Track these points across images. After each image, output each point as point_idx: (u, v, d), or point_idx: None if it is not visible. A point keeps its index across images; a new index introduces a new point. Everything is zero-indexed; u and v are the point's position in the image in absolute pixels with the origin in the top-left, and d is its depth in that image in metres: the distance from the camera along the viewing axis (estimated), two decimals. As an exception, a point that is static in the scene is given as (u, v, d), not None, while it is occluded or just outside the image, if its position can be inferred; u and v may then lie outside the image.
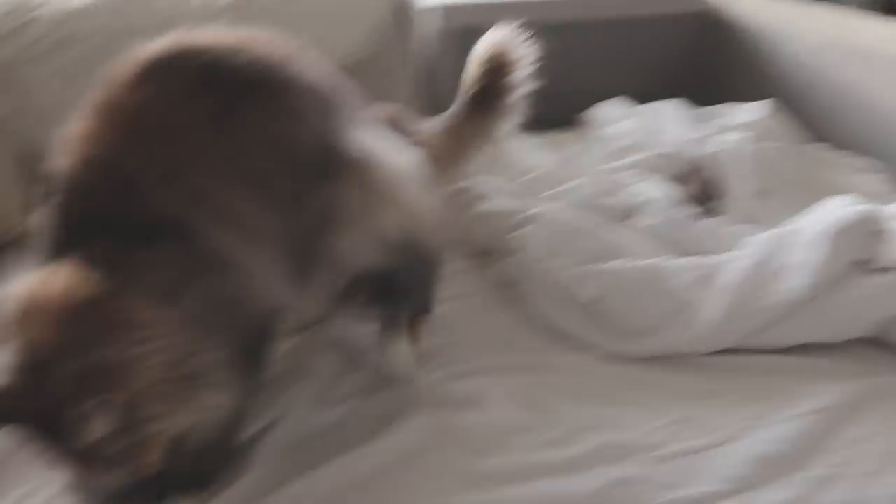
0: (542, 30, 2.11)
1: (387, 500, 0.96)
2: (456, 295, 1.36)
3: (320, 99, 0.98)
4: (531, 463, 1.01)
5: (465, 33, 2.00)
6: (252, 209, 0.88)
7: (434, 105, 2.00)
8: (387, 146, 1.10)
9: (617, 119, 1.87)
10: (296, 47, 1.01)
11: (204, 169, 0.85)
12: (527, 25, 2.08)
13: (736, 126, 1.74)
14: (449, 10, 1.95)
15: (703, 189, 1.61)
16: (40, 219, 0.85)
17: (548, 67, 2.16)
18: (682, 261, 1.32)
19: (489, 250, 1.46)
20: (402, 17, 1.91)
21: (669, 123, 1.86)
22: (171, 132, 0.84)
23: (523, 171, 1.62)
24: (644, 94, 2.10)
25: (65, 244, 0.81)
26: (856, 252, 1.23)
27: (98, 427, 0.71)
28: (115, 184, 0.82)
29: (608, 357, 1.23)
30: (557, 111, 2.08)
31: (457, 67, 2.04)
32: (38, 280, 0.78)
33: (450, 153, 1.35)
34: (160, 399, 0.75)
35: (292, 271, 0.94)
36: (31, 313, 0.76)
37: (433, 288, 1.19)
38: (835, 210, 1.30)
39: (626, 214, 1.52)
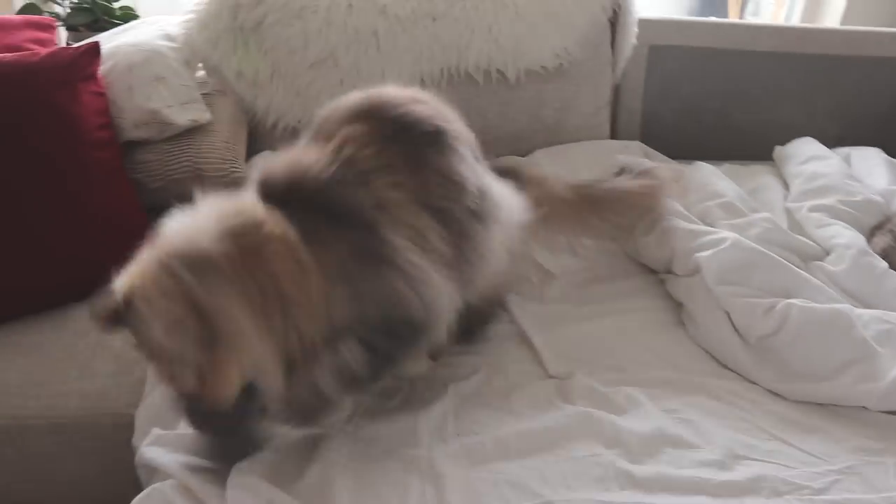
0: (739, 56, 2.10)
1: (539, 476, 1.02)
2: (624, 309, 1.40)
3: (474, 149, 1.18)
4: (686, 478, 1.03)
5: (653, 50, 2.03)
6: (432, 235, 1.03)
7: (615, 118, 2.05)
8: (509, 200, 1.22)
9: (811, 158, 1.82)
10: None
11: (390, 185, 1.02)
12: (719, 52, 2.09)
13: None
14: (643, 25, 1.97)
15: (893, 243, 1.55)
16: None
17: (743, 96, 2.15)
18: (871, 312, 1.28)
19: (665, 268, 1.48)
20: (615, 25, 1.95)
21: (866, 171, 1.79)
22: (371, 154, 1.03)
23: (709, 196, 1.61)
24: (841, 137, 2.04)
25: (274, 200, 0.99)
26: None
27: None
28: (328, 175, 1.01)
29: (767, 393, 1.23)
30: (751, 142, 2.06)
31: (644, 83, 2.08)
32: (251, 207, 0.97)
33: (572, 217, 1.43)
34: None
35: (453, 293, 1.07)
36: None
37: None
38: None
39: (809, 256, 1.49)
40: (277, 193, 0.99)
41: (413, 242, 1.01)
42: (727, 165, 1.90)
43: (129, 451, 1.18)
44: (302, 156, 1.04)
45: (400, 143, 1.05)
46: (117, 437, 1.23)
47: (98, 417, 1.24)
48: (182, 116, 1.62)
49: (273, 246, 0.92)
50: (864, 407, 1.20)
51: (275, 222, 0.94)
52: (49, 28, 1.72)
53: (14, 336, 1.33)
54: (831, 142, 1.96)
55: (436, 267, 1.03)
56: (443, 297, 1.03)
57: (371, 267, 0.97)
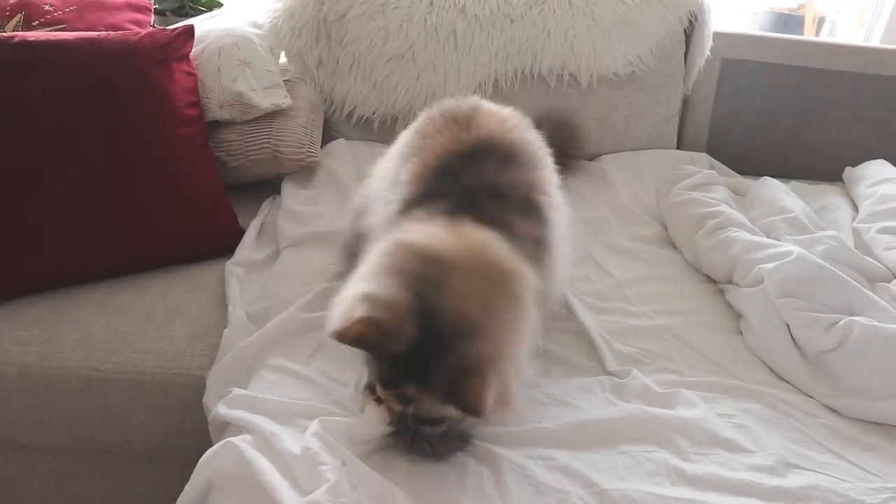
0: (813, 74, 2.08)
1: (592, 466, 1.05)
2: (683, 312, 1.41)
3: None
4: (738, 479, 1.04)
5: (725, 63, 2.03)
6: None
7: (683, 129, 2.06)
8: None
9: (884, 180, 1.80)
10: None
11: None
12: (793, 69, 2.07)
13: None
14: (718, 38, 1.97)
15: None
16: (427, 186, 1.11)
17: (814, 115, 2.13)
18: (935, 336, 1.27)
19: (725, 278, 1.49)
20: (690, 37, 1.96)
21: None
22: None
23: (775, 211, 1.61)
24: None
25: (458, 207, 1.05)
26: None
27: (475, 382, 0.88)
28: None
29: (823, 407, 1.23)
30: (820, 162, 2.05)
31: (715, 95, 2.08)
32: (446, 229, 1.00)
33: None
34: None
35: None
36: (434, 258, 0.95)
37: None
38: None
39: (875, 277, 1.48)
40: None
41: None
42: (794, 183, 1.89)
43: (198, 410, 1.25)
44: None
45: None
46: (188, 396, 1.30)
47: (172, 377, 1.31)
48: (264, 100, 1.70)
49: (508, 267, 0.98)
50: (922, 430, 1.19)
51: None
52: (146, 10, 1.81)
53: (100, 296, 1.42)
54: (902, 166, 1.93)
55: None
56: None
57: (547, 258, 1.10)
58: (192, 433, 1.34)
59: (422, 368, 0.90)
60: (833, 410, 1.23)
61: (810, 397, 1.25)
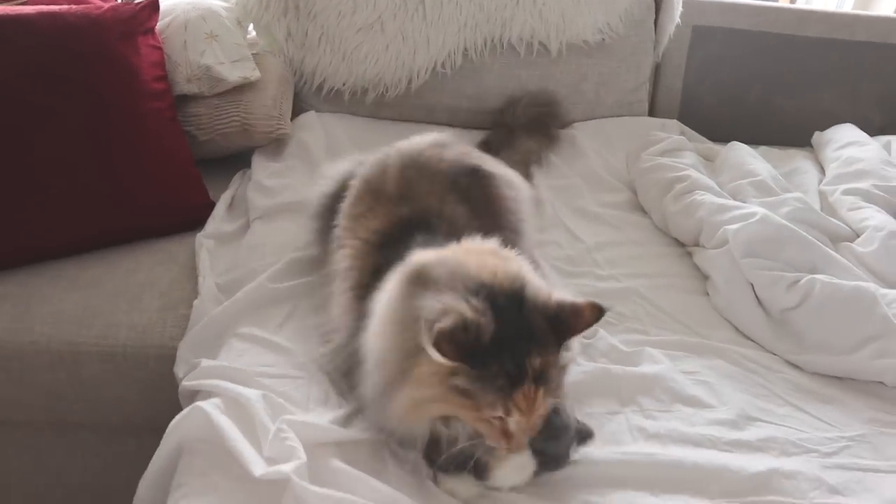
0: (784, 41, 2.09)
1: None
2: (650, 275, 1.43)
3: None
4: (699, 434, 1.07)
5: (696, 30, 2.03)
6: None
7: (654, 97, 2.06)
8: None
9: (850, 143, 1.82)
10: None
11: None
12: (763, 35, 2.08)
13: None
14: (687, 5, 1.97)
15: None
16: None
17: (785, 81, 2.14)
18: (895, 292, 1.30)
19: (692, 241, 1.51)
20: (659, 3, 1.96)
21: (902, 158, 1.79)
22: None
23: (742, 175, 1.63)
24: (885, 126, 2.03)
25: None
26: None
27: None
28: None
29: (785, 363, 1.26)
30: (791, 128, 2.06)
31: (685, 62, 2.09)
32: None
33: None
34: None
35: None
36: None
37: None
38: None
39: (839, 237, 1.50)
40: None
41: None
42: (764, 148, 1.90)
43: (172, 381, 1.26)
44: None
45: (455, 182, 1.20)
46: (161, 367, 1.31)
47: (144, 348, 1.32)
48: (232, 73, 1.69)
49: None
50: (881, 382, 1.22)
51: None
52: (110, -17, 1.80)
53: (71, 271, 1.42)
54: (874, 131, 1.95)
55: None
56: None
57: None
58: (167, 404, 1.34)
59: (523, 339, 0.88)
60: (795, 366, 1.26)
61: (773, 354, 1.28)
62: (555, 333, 0.89)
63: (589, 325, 0.91)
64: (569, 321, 0.90)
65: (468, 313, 0.86)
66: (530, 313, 0.89)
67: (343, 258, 1.14)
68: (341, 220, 1.22)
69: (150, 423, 1.38)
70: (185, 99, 1.69)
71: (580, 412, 1.07)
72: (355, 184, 1.25)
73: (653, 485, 0.98)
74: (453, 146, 1.30)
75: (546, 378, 0.88)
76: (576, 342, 0.96)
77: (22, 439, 1.45)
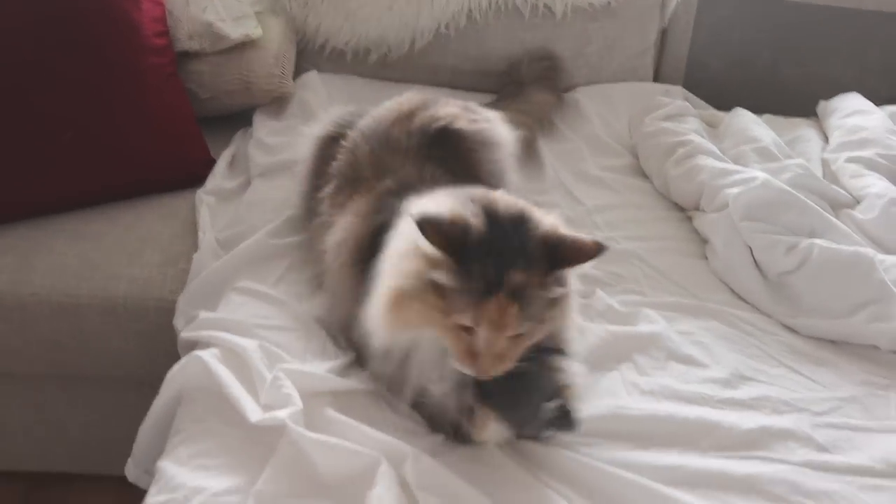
0: (793, 9, 2.07)
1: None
2: (649, 237, 1.44)
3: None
4: (692, 392, 1.08)
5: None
6: None
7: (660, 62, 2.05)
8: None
9: (855, 112, 1.81)
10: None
11: None
12: (772, 2, 2.05)
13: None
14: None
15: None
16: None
17: (793, 50, 2.12)
18: (893, 258, 1.30)
19: (693, 206, 1.50)
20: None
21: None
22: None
23: (745, 141, 1.63)
24: (892, 97, 2.01)
25: None
26: None
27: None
28: None
29: (781, 326, 1.26)
30: (797, 97, 2.04)
31: (693, 28, 2.07)
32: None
33: None
34: None
35: None
36: None
37: None
38: None
39: (840, 204, 1.50)
40: None
41: None
42: (768, 116, 1.89)
43: (171, 334, 1.27)
44: None
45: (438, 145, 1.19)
46: (160, 320, 1.32)
47: (144, 301, 1.33)
48: (234, 30, 1.68)
49: None
50: (875, 346, 1.23)
51: None
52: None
53: (72, 225, 1.42)
54: (881, 101, 1.92)
55: None
56: None
57: None
58: (167, 357, 1.34)
59: (512, 252, 0.86)
60: (790, 329, 1.26)
61: (769, 317, 1.28)
62: (548, 258, 0.87)
63: (587, 258, 0.88)
64: (566, 250, 0.88)
65: (459, 209, 0.87)
66: (527, 233, 0.88)
67: (334, 233, 1.11)
68: (325, 207, 1.18)
69: (150, 375, 1.38)
70: (187, 56, 1.68)
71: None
72: (333, 175, 1.21)
73: (645, 439, 0.99)
74: (420, 111, 1.23)
75: (525, 298, 0.85)
76: (573, 278, 0.94)
77: (24, 392, 1.47)
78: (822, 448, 1.01)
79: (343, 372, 1.03)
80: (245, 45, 1.70)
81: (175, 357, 1.24)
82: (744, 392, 1.09)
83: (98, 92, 1.46)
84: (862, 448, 1.03)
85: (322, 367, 1.01)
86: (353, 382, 1.00)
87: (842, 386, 1.14)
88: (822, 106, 1.94)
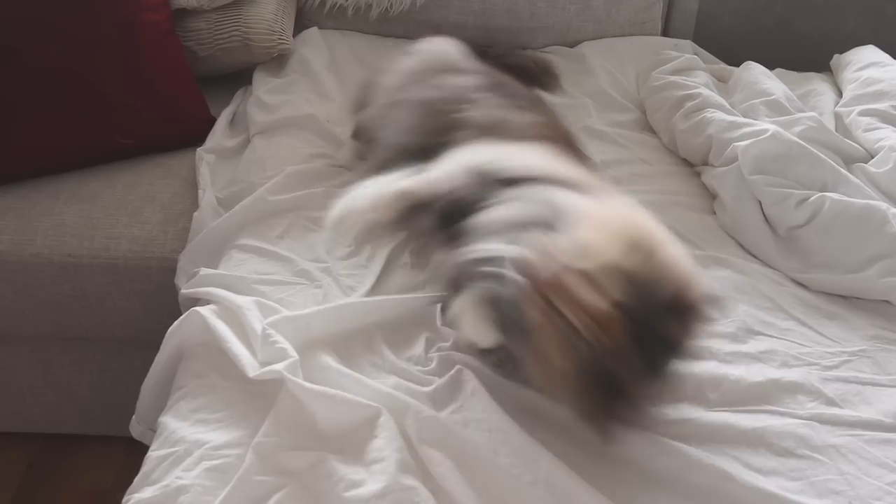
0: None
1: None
2: (656, 191, 1.40)
3: None
4: (699, 346, 1.06)
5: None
6: None
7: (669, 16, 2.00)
8: None
9: (870, 64, 1.75)
10: None
11: None
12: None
13: None
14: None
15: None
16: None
17: (806, 2, 2.06)
18: (906, 209, 1.27)
19: (702, 161, 1.47)
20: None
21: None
22: None
23: (756, 94, 1.58)
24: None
25: None
26: None
27: None
28: None
29: (789, 280, 1.23)
30: (811, 52, 1.99)
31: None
32: None
33: None
34: None
35: None
36: None
37: None
38: None
39: (852, 158, 1.46)
40: None
41: None
42: (780, 70, 1.84)
43: (173, 293, 1.26)
44: None
45: None
46: (162, 279, 1.31)
47: (146, 260, 1.32)
48: (233, -15, 1.64)
49: None
50: (887, 301, 1.20)
51: None
52: None
53: (71, 185, 1.41)
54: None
55: None
56: None
57: None
58: (170, 316, 1.33)
59: None
60: (801, 284, 1.24)
61: (779, 272, 1.26)
62: None
63: None
64: None
65: None
66: None
67: None
68: None
69: (155, 336, 1.38)
70: (185, 13, 1.65)
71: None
72: None
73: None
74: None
75: None
76: None
77: (31, 354, 1.48)
78: (831, 402, 1.00)
79: (337, 311, 1.01)
80: (244, 1, 1.67)
81: (178, 316, 1.24)
82: (752, 346, 1.07)
83: (93, 48, 1.43)
84: (871, 402, 1.01)
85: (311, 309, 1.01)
86: (338, 308, 1.00)
87: (852, 340, 1.12)
88: (836, 59, 1.89)
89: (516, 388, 0.95)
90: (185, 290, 1.12)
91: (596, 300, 0.77)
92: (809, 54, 2.01)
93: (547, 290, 0.79)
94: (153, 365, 1.06)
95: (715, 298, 0.84)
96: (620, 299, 0.78)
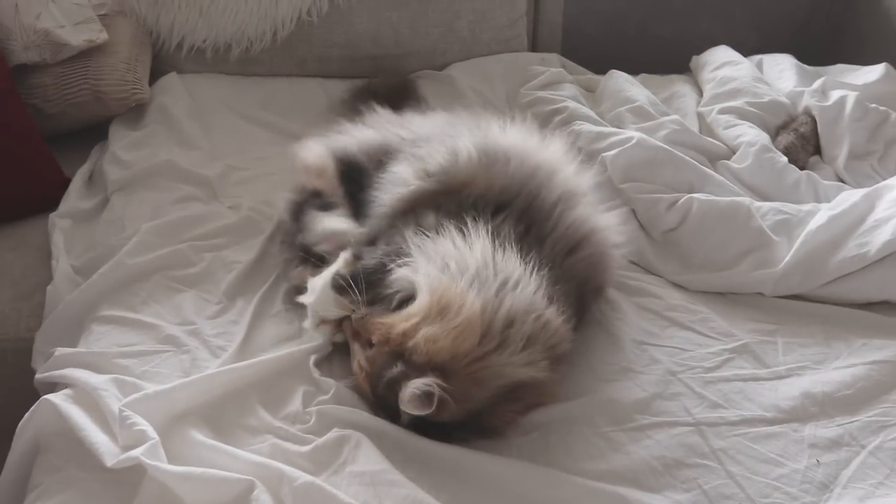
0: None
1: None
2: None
3: None
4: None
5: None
6: None
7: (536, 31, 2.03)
8: None
9: (724, 63, 1.83)
10: None
11: None
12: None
13: (843, 86, 1.68)
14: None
15: (797, 142, 1.58)
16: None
17: (663, 8, 2.15)
18: (769, 203, 1.32)
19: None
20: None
21: (776, 75, 1.81)
22: None
23: (621, 102, 1.62)
24: (760, 48, 2.05)
25: None
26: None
27: None
28: None
29: (671, 285, 1.26)
30: (671, 54, 2.06)
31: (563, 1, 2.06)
32: None
33: None
34: None
35: None
36: None
37: None
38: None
39: (716, 156, 1.51)
40: None
41: None
42: (644, 75, 1.90)
43: (33, 376, 1.16)
44: None
45: None
46: (21, 362, 1.20)
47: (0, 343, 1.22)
48: (76, 37, 1.55)
49: None
50: (760, 293, 1.24)
51: None
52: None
53: None
54: (751, 52, 1.96)
55: None
56: None
57: None
58: (34, 402, 1.25)
59: None
60: (681, 286, 1.26)
61: (660, 277, 1.28)
62: None
63: None
64: None
65: None
66: None
67: None
68: None
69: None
70: (26, 69, 1.54)
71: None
72: None
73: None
74: None
75: None
76: None
77: None
78: (715, 404, 1.01)
79: (207, 380, 0.96)
80: (91, 52, 1.58)
81: (40, 402, 1.14)
82: (638, 361, 1.08)
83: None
84: (753, 398, 1.03)
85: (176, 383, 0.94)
86: (214, 386, 0.95)
87: (734, 335, 1.14)
88: (695, 60, 1.97)
89: (406, 435, 0.91)
90: (39, 375, 1.03)
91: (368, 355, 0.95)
92: (670, 57, 2.08)
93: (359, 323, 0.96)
94: (7, 462, 0.97)
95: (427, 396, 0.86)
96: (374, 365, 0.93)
